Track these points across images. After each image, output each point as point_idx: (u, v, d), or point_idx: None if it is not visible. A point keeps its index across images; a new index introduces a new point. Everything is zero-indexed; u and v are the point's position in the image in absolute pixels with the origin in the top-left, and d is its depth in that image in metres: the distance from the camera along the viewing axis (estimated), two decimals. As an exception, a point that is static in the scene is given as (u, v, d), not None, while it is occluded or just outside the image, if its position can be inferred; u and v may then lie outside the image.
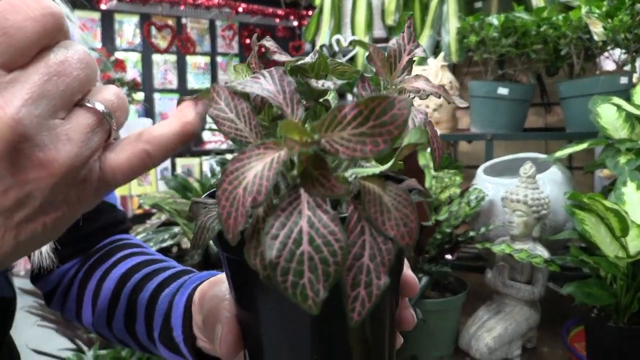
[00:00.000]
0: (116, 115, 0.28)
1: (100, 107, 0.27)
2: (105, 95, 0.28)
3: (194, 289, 0.51)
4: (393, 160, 0.27)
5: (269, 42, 0.34)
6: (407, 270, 0.38)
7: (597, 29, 1.52)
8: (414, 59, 0.34)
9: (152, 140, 0.29)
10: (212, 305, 0.43)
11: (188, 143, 0.30)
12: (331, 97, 0.36)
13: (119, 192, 4.16)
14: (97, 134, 0.27)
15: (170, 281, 0.55)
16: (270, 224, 0.24)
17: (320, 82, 0.32)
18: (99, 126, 0.27)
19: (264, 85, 0.29)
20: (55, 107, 0.25)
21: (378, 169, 0.27)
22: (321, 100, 0.35)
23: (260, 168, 0.25)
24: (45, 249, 0.51)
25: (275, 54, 0.33)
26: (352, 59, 2.14)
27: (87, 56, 0.27)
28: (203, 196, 0.35)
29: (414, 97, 0.33)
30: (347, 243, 0.24)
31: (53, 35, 0.26)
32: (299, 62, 0.33)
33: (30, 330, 1.75)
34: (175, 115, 0.30)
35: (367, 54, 0.33)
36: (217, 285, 0.46)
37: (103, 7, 4.67)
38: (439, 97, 0.33)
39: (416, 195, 0.32)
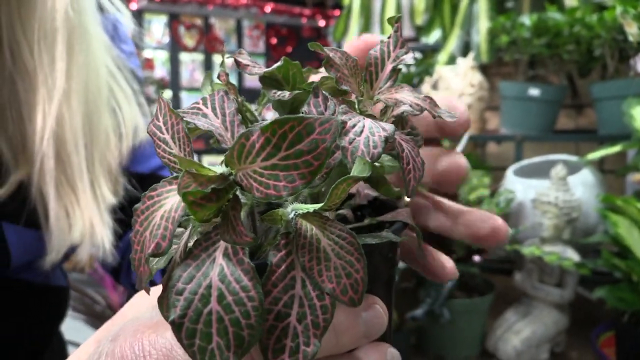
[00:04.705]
0: None
1: None
2: None
3: None
4: (327, 199, 0.21)
5: (241, 57, 0.30)
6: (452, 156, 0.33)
7: (632, 30, 1.49)
8: (399, 67, 0.29)
9: None
10: None
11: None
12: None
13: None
14: None
15: None
16: (177, 276, 0.20)
17: (273, 91, 0.28)
18: None
19: (207, 113, 0.25)
20: None
21: (314, 206, 0.22)
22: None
23: (168, 208, 0.21)
24: (108, 246, 0.53)
25: (247, 68, 0.29)
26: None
27: None
28: None
29: (404, 114, 0.28)
30: (262, 302, 0.20)
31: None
32: (269, 70, 0.28)
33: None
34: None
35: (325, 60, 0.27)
36: None
37: (134, 6, 4.75)
38: (421, 111, 0.27)
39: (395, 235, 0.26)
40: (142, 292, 0.32)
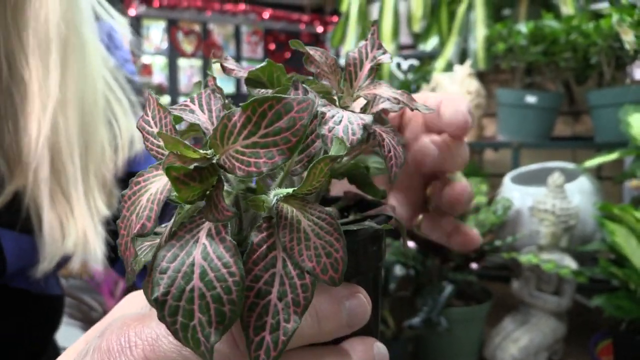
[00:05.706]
0: None
1: None
2: None
3: None
4: (305, 179, 0.22)
5: (226, 62, 0.31)
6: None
7: (628, 38, 1.50)
8: (376, 66, 0.30)
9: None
10: None
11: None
12: None
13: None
14: None
15: None
16: (161, 256, 0.21)
17: (257, 90, 0.30)
18: None
19: (194, 109, 0.26)
20: None
21: (294, 189, 0.23)
22: None
23: (153, 191, 0.22)
24: (101, 256, 0.52)
25: (233, 72, 0.30)
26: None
27: None
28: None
29: (379, 110, 0.29)
30: (243, 277, 0.20)
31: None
32: (253, 71, 0.30)
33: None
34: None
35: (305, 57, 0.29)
36: None
37: (132, 12, 4.76)
38: (398, 104, 0.28)
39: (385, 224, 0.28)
40: (129, 297, 0.33)
